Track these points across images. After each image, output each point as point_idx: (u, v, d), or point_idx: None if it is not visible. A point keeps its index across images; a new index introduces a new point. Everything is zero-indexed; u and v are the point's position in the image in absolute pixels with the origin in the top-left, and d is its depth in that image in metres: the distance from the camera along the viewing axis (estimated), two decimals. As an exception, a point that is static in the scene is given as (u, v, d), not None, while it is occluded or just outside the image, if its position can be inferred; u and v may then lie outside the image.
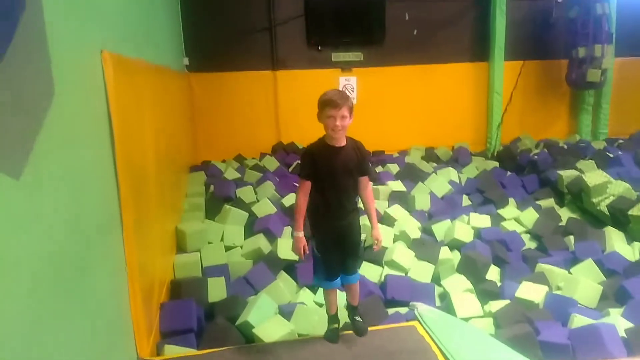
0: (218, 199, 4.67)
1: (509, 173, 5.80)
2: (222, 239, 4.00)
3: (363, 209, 2.51)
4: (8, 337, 1.14)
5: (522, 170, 5.94)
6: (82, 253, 1.71)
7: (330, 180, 2.30)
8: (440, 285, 3.50)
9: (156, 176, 3.20)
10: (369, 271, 3.55)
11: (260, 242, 3.81)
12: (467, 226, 4.23)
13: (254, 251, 3.76)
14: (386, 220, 4.34)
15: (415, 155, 6.71)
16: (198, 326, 2.90)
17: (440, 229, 4.23)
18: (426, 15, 6.98)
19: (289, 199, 4.58)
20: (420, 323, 2.76)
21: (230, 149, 6.66)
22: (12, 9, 1.29)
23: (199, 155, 6.50)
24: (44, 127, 1.43)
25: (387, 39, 6.92)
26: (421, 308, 2.91)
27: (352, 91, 6.98)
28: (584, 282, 3.29)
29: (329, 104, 2.21)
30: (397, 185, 5.13)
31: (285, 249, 3.72)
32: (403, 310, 3.11)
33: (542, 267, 3.60)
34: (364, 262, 3.55)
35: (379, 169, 5.85)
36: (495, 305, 3.12)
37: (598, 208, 4.49)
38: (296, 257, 3.71)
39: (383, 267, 3.65)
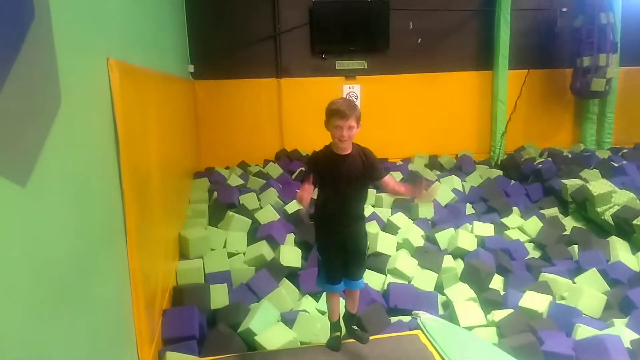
0: (221, 205, 4.69)
1: (512, 182, 5.79)
2: (224, 246, 4.00)
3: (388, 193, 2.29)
4: (10, 342, 1.14)
5: (526, 179, 5.93)
6: (86, 259, 1.72)
7: (334, 187, 2.31)
8: (443, 294, 3.49)
9: (160, 182, 3.21)
10: (371, 279, 3.55)
11: (263, 249, 3.81)
12: (471, 235, 4.22)
13: (256, 258, 3.76)
14: (389, 228, 4.33)
15: (418, 163, 6.71)
16: (200, 333, 2.90)
17: (443, 237, 4.22)
18: (430, 24, 7.01)
19: (292, 206, 4.59)
20: (423, 332, 2.75)
21: (234, 155, 6.68)
22: (22, 18, 1.31)
23: (202, 161, 6.53)
24: (51, 133, 1.44)
25: (391, 47, 6.96)
26: (424, 317, 2.90)
27: (356, 99, 7.00)
28: (588, 292, 3.27)
29: (337, 114, 2.22)
30: (401, 193, 5.11)
31: (287, 256, 3.72)
32: (406, 318, 3.10)
33: (546, 276, 3.58)
34: (366, 270, 3.55)
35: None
36: (499, 315, 3.10)
37: (602, 217, 4.47)
38: (299, 265, 3.72)
39: (386, 275, 3.64)
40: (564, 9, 7.08)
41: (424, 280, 3.60)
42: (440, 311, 3.33)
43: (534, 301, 3.21)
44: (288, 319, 3.00)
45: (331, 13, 6.73)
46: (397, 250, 3.97)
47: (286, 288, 3.42)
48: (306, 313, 3.10)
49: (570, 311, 3.12)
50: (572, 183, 5.01)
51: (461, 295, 3.39)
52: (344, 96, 6.93)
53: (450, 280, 3.61)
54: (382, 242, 3.88)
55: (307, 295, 3.37)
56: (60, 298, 1.45)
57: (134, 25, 3.00)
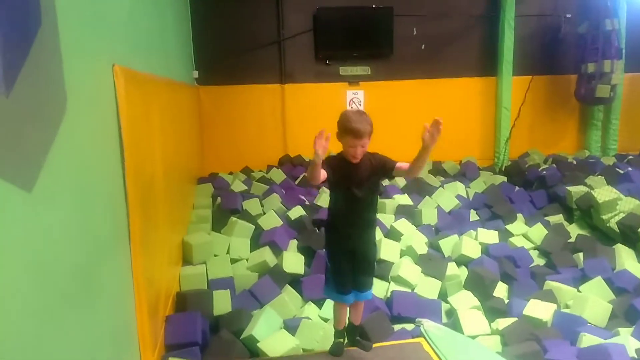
0: (224, 211, 4.68)
1: (517, 188, 5.76)
2: (228, 252, 4.00)
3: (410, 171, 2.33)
4: (12, 348, 1.14)
5: (531, 185, 5.90)
6: (89, 264, 1.72)
7: (344, 193, 2.34)
8: (447, 301, 3.47)
9: (164, 188, 3.22)
10: (374, 286, 3.51)
11: (266, 255, 3.80)
12: (475, 242, 4.20)
13: (259, 264, 3.76)
14: (392, 234, 4.32)
15: (422, 169, 6.69)
16: (203, 339, 2.89)
17: (447, 244, 4.20)
18: (434, 30, 7.02)
19: (295, 212, 4.58)
20: (426, 340, 2.73)
21: (238, 161, 6.69)
22: (29, 24, 1.32)
23: (206, 167, 6.54)
24: (57, 138, 1.45)
25: (395, 53, 6.97)
26: (427, 325, 2.88)
27: (360, 105, 7.01)
28: (593, 301, 3.25)
29: (352, 133, 2.23)
30: (404, 199, 5.11)
31: (290, 262, 3.71)
32: (409, 326, 3.08)
33: (551, 284, 3.56)
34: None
35: (385, 182, 5.84)
36: (503, 323, 3.08)
37: (608, 225, 4.44)
38: (302, 271, 3.70)
39: (389, 283, 3.63)
40: (568, 15, 7.08)
41: (428, 287, 3.58)
42: (444, 319, 3.31)
43: (539, 309, 3.19)
44: (291, 326, 2.99)
45: (335, 19, 6.76)
46: (400, 257, 3.96)
47: (289, 294, 3.41)
48: (309, 320, 3.08)
49: (575, 320, 3.10)
50: (577, 190, 4.99)
51: (465, 303, 3.37)
52: (348, 103, 6.95)
53: (454, 288, 3.59)
54: (385, 249, 3.87)
55: (310, 302, 3.36)
56: (63, 303, 1.45)
57: (139, 32, 3.02)
